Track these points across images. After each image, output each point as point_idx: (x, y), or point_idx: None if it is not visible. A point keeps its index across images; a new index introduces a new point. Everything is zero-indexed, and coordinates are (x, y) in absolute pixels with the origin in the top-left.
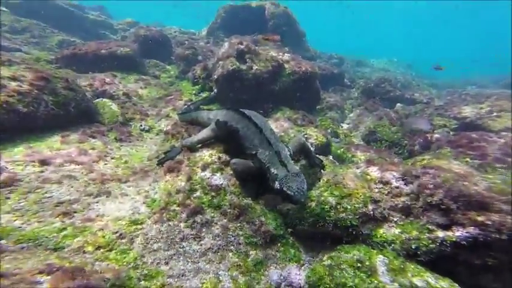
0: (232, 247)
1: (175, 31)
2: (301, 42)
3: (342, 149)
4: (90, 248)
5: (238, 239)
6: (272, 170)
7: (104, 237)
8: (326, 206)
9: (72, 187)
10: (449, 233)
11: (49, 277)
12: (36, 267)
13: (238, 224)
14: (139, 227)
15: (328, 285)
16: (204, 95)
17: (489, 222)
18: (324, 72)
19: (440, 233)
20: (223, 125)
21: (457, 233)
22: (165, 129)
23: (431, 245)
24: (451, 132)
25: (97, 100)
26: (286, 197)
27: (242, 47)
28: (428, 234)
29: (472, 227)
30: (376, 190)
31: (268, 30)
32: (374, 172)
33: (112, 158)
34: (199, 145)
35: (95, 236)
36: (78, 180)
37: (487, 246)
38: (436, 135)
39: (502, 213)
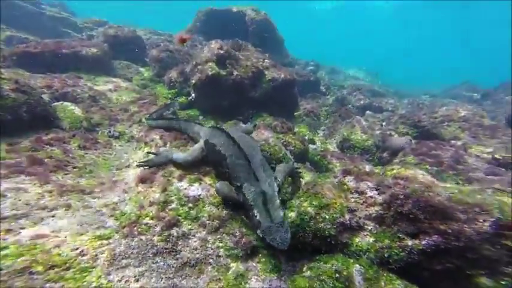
0: (211, 260)
1: (150, 32)
2: (281, 48)
3: (319, 156)
4: (39, 268)
5: (218, 251)
6: (255, 213)
7: (59, 254)
8: (306, 217)
9: (19, 200)
10: (417, 241)
11: None
12: None
13: (218, 236)
14: (105, 242)
15: None
16: (180, 99)
17: (450, 231)
18: (302, 79)
19: (409, 242)
20: (211, 147)
21: (423, 241)
22: (137, 136)
23: (401, 253)
24: (413, 141)
25: (56, 104)
26: (269, 244)
27: (222, 52)
28: (399, 243)
29: (436, 235)
30: (352, 200)
31: (249, 36)
32: (350, 182)
33: (74, 168)
34: (189, 164)
35: (48, 254)
36: (29, 193)
37: (447, 252)
38: (399, 144)
39: (460, 221)
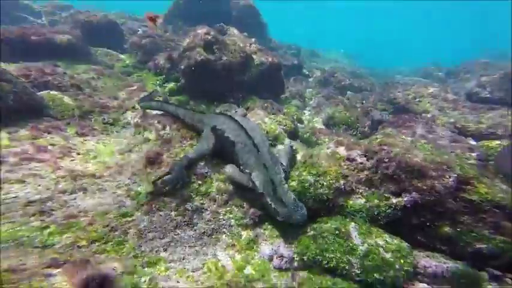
0: (225, 229)
1: (123, 17)
2: (264, 33)
3: (308, 134)
4: (84, 243)
5: (229, 221)
6: (269, 201)
7: (95, 231)
8: (306, 184)
9: (39, 186)
10: (400, 199)
11: (59, 270)
12: (41, 262)
13: (228, 208)
14: (129, 219)
15: (314, 252)
16: (169, 85)
17: (425, 187)
18: (286, 63)
19: (394, 200)
20: (219, 134)
21: (405, 198)
22: (133, 121)
23: (387, 211)
24: (390, 115)
25: (43, 92)
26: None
27: (209, 37)
28: (385, 202)
29: (414, 192)
30: (345, 167)
31: (233, 21)
32: (342, 151)
33: (78, 154)
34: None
35: (85, 231)
36: (45, 178)
37: (422, 207)
38: (379, 117)
39: (432, 178)
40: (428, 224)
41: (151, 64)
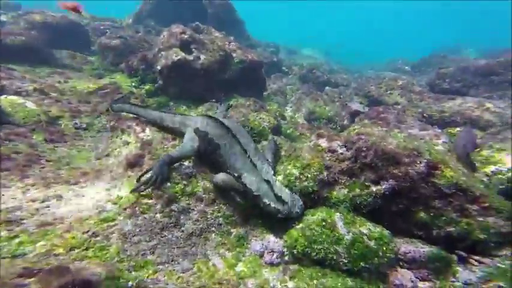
0: (213, 228)
1: (87, 17)
2: (242, 31)
3: (291, 129)
4: (61, 250)
5: (218, 220)
6: (267, 202)
7: (74, 238)
8: (292, 178)
9: (3, 195)
10: (379, 187)
11: (32, 279)
12: (12, 271)
13: (216, 207)
14: (111, 223)
15: (303, 244)
16: (146, 87)
17: (400, 173)
18: (266, 61)
19: (374, 188)
20: (202, 135)
21: (383, 186)
22: (109, 125)
23: (369, 199)
24: (366, 108)
25: None
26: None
27: (186, 36)
28: (366, 190)
29: (391, 179)
30: (327, 158)
31: (208, 19)
32: (323, 143)
33: (48, 161)
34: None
35: (62, 238)
36: (10, 187)
37: (399, 194)
38: (356, 107)
39: (405, 164)
40: (405, 210)
41: (124, 66)
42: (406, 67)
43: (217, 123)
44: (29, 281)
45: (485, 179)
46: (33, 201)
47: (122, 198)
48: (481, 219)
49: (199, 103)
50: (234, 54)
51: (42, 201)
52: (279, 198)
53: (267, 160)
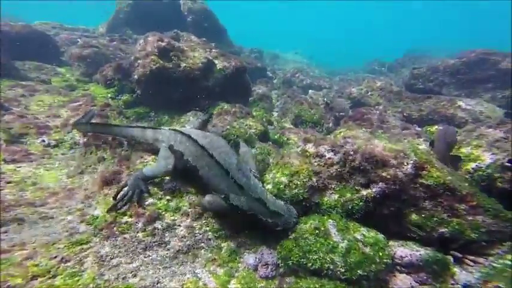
0: (202, 244)
1: (54, 27)
2: (223, 38)
3: (278, 135)
4: (19, 281)
5: (206, 235)
6: (264, 219)
7: (36, 265)
8: (281, 186)
9: None
10: (369, 190)
11: None
12: None
13: (204, 221)
14: (85, 246)
15: (297, 255)
16: (123, 97)
17: (389, 176)
18: (251, 66)
19: (364, 192)
20: (178, 156)
21: (374, 189)
22: (82, 141)
23: (360, 203)
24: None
25: None
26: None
27: (164, 44)
28: (357, 195)
29: (381, 182)
30: (315, 163)
31: (188, 27)
32: (311, 148)
33: (8, 183)
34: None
35: (21, 266)
36: None
37: (389, 197)
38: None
39: (393, 167)
40: (397, 213)
41: (98, 76)
42: (383, 68)
43: (191, 141)
44: None
45: (467, 176)
46: None
47: (97, 218)
48: (470, 218)
49: (183, 112)
50: (217, 61)
51: None
52: (274, 213)
53: (252, 171)
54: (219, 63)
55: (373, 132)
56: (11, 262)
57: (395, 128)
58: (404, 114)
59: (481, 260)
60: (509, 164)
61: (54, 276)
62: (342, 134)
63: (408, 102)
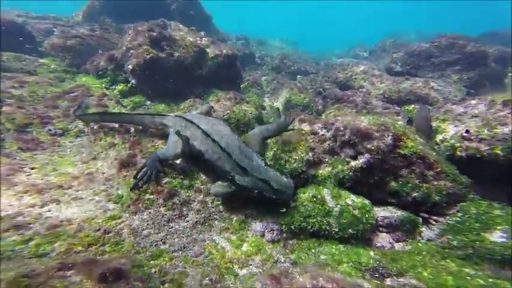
0: (216, 216)
1: (20, 15)
2: (210, 25)
3: (272, 118)
4: (80, 248)
5: (218, 208)
6: (268, 195)
7: (87, 236)
8: (281, 161)
9: None
10: (357, 161)
11: (72, 271)
12: (50, 266)
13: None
14: (118, 221)
15: (298, 220)
16: (118, 87)
17: (373, 147)
18: (239, 53)
19: (353, 163)
20: (185, 140)
21: (361, 160)
22: (88, 129)
23: (350, 173)
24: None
25: None
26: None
27: (155, 34)
28: (347, 166)
29: (367, 154)
30: (311, 140)
31: (172, 15)
32: (306, 127)
33: (32, 169)
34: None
35: (76, 237)
36: (2, 195)
37: (374, 167)
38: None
39: (377, 139)
40: (380, 181)
41: (89, 67)
42: (365, 53)
43: (195, 127)
44: (69, 272)
45: (436, 147)
46: (32, 206)
47: (122, 196)
48: (436, 183)
49: (179, 100)
50: (208, 50)
51: (42, 206)
52: (277, 191)
53: (255, 152)
54: (211, 52)
55: (358, 113)
56: (67, 234)
57: (377, 108)
58: (385, 95)
59: (441, 219)
60: (466, 134)
61: (103, 245)
62: (332, 113)
63: (388, 84)
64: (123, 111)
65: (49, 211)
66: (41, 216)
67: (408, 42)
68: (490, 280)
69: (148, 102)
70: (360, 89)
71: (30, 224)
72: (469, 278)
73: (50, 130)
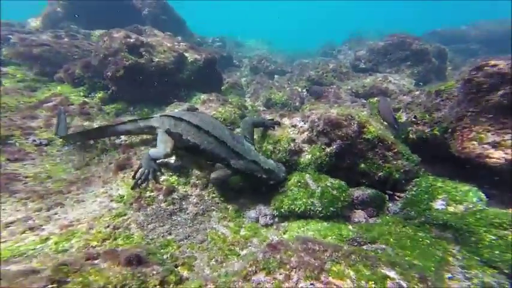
0: (213, 207)
1: None
2: (184, 29)
3: (255, 116)
4: (96, 243)
5: (214, 200)
6: (259, 175)
7: (100, 232)
8: (268, 153)
9: (3, 209)
10: (331, 147)
11: (98, 259)
12: (78, 257)
13: (210, 190)
14: (125, 218)
15: (287, 203)
16: (98, 95)
17: (343, 134)
18: (217, 56)
19: (328, 149)
20: (176, 137)
21: (334, 146)
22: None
23: (326, 159)
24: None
25: None
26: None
27: (132, 40)
28: (323, 152)
29: (338, 140)
30: (291, 132)
31: (144, 20)
32: (286, 121)
33: (26, 177)
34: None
35: (90, 234)
36: (5, 203)
37: (346, 152)
38: (304, 93)
39: (345, 127)
40: (352, 165)
41: (63, 75)
42: (333, 51)
43: (184, 122)
44: (97, 261)
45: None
46: (38, 211)
47: (123, 196)
48: (395, 162)
49: (161, 105)
50: (187, 54)
51: (48, 210)
52: (267, 171)
53: (245, 137)
54: (190, 56)
55: (331, 106)
56: (80, 232)
57: (347, 101)
58: (353, 90)
59: (402, 194)
60: (414, 119)
61: (115, 239)
62: (307, 108)
63: (355, 80)
64: (100, 119)
65: (56, 214)
66: (50, 218)
67: (369, 40)
68: (433, 240)
69: (131, 108)
70: (331, 86)
71: (42, 225)
72: (420, 240)
73: (34, 141)
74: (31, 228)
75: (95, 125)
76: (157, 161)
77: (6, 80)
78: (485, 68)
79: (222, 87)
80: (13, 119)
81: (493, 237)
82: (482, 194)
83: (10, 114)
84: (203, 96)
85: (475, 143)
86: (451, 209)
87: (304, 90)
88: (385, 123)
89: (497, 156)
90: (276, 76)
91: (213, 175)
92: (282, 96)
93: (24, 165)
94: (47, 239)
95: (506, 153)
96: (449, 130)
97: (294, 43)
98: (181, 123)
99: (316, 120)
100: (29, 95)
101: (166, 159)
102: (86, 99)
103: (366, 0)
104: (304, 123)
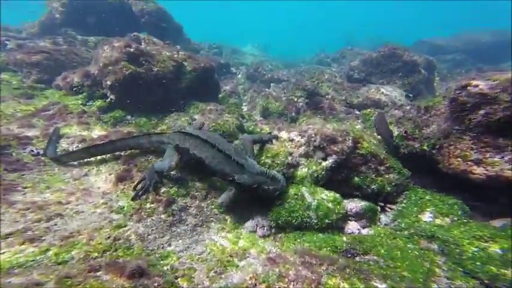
0: (212, 218)
1: None
2: (181, 36)
3: (252, 126)
4: (96, 254)
5: (213, 211)
6: (265, 187)
7: (100, 243)
8: (266, 166)
9: (2, 220)
10: (327, 162)
11: (100, 272)
12: (80, 269)
13: (209, 201)
14: (125, 229)
15: (284, 215)
16: (96, 103)
17: (338, 150)
18: (214, 64)
19: (324, 163)
20: (184, 152)
21: (329, 161)
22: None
23: (322, 173)
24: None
25: None
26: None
27: (132, 50)
28: (319, 166)
29: (334, 155)
30: (289, 146)
31: (143, 28)
32: (284, 135)
33: (25, 188)
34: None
35: (90, 245)
36: (4, 214)
37: (341, 166)
38: (300, 103)
39: (340, 142)
40: (346, 178)
41: (61, 83)
42: (328, 59)
43: (193, 138)
44: (99, 273)
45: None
46: (38, 221)
47: (124, 207)
48: (387, 176)
49: (160, 114)
50: (186, 63)
51: (47, 221)
52: (273, 179)
53: (248, 155)
54: (189, 65)
55: (326, 118)
56: (81, 243)
57: (341, 113)
58: (348, 101)
59: (394, 206)
60: (405, 134)
61: (116, 250)
62: (304, 121)
63: (349, 90)
64: (99, 128)
65: (55, 225)
66: (49, 229)
67: (363, 45)
68: (421, 251)
69: (129, 117)
70: (327, 96)
71: (42, 236)
72: (410, 251)
73: (32, 151)
74: (31, 240)
75: (93, 134)
76: (160, 174)
77: (3, 86)
78: (469, 87)
79: (220, 96)
80: (10, 127)
81: (475, 249)
82: (467, 207)
83: (6, 123)
84: (201, 105)
85: (460, 159)
86: (438, 221)
87: (299, 101)
88: (380, 137)
89: (479, 172)
90: (272, 84)
91: (219, 200)
92: (279, 106)
93: (23, 175)
94: (47, 250)
95: (487, 170)
96: (437, 146)
97: (291, 45)
98: (190, 139)
99: (313, 135)
100: (26, 103)
101: (165, 173)
102: (84, 108)
103: (361, 0)
104: (301, 138)
